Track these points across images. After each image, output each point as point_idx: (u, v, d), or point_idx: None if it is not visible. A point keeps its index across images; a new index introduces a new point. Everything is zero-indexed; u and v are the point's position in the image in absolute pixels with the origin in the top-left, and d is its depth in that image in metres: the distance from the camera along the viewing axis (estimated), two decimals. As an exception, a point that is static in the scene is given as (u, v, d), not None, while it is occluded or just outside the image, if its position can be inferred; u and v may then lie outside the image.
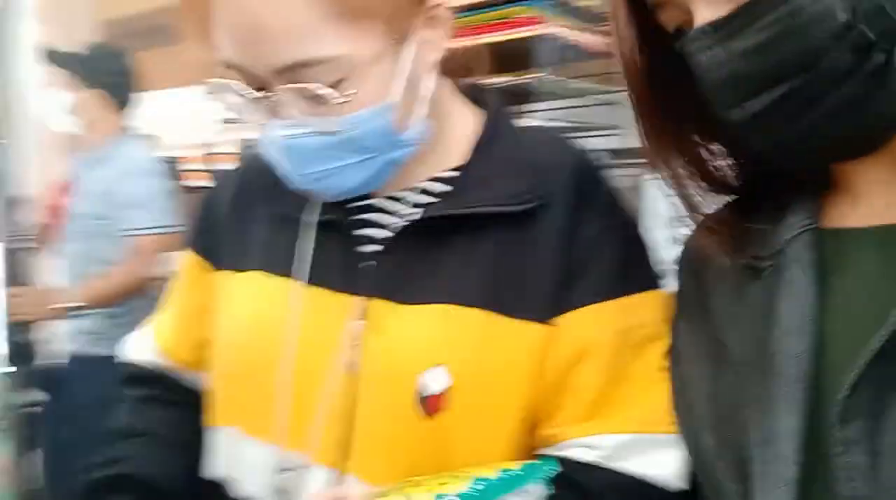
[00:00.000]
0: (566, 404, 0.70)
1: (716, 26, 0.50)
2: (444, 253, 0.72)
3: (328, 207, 0.76)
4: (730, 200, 0.62)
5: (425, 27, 0.69)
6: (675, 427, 0.70)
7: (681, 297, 0.66)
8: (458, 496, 0.59)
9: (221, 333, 0.80)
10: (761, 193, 0.60)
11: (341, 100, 0.64)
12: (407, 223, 0.73)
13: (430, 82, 0.71)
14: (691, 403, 0.60)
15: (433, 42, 0.70)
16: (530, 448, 0.71)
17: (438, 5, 0.69)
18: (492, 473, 0.62)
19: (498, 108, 0.79)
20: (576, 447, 0.69)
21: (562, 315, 0.69)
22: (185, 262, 0.88)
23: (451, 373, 0.68)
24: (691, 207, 0.61)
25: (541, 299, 0.70)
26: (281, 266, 0.76)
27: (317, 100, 0.65)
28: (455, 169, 0.75)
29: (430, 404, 0.69)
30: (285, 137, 0.68)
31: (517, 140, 0.76)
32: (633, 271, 0.72)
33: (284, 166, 0.70)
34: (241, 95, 0.68)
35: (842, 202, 0.55)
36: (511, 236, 0.71)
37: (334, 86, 0.64)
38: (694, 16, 0.52)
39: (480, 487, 0.60)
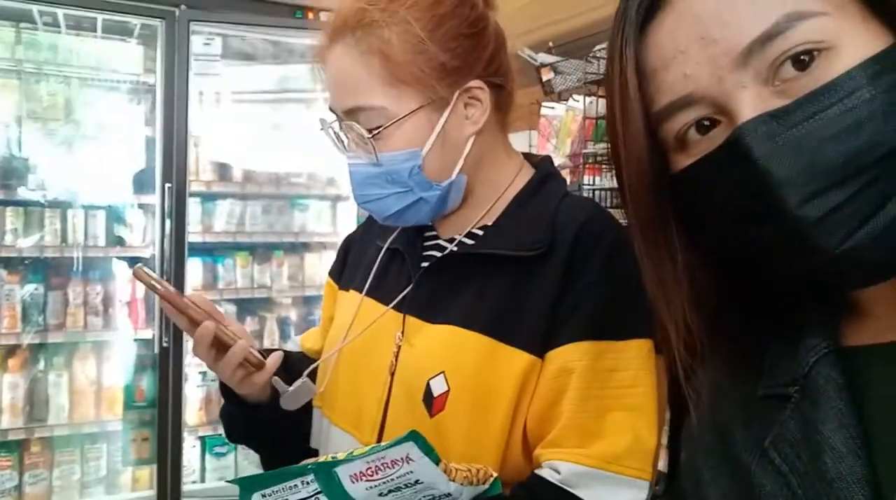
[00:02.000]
0: (548, 429, 0.82)
1: (784, 113, 0.47)
2: (466, 285, 0.89)
3: (397, 239, 0.99)
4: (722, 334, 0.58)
5: (463, 103, 0.89)
6: (640, 472, 0.79)
7: (699, 424, 0.61)
8: (332, 458, 0.75)
9: (328, 335, 1.05)
10: (758, 321, 0.57)
11: (376, 140, 0.86)
12: (440, 258, 0.93)
13: (466, 148, 0.90)
14: None
15: (470, 117, 0.89)
16: (522, 462, 0.84)
17: (477, 88, 0.88)
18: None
19: (544, 171, 0.96)
20: (546, 468, 0.81)
21: (548, 352, 0.82)
22: (326, 284, 1.15)
23: (449, 381, 0.84)
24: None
25: (533, 333, 0.83)
26: (364, 286, 1.00)
27: (361, 138, 0.87)
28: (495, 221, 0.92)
29: (433, 405, 0.85)
30: (350, 166, 0.91)
31: (548, 199, 0.90)
32: (617, 321, 0.82)
33: (352, 189, 0.92)
34: (332, 130, 0.93)
35: (857, 322, 0.53)
36: (520, 278, 0.85)
37: (374, 129, 0.86)
38: (736, 109, 0.48)
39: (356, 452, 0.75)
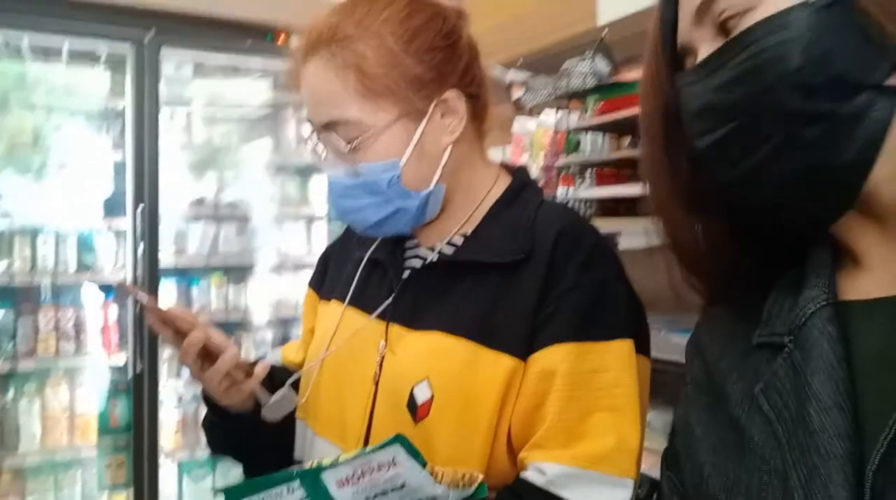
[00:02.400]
0: (533, 432, 0.83)
1: (702, 64, 0.54)
2: (448, 292, 0.90)
3: (378, 249, 0.99)
4: (735, 282, 0.62)
5: (440, 114, 0.90)
6: (625, 471, 0.80)
7: (694, 386, 0.64)
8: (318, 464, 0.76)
9: (310, 346, 1.06)
10: (769, 273, 0.60)
11: (354, 151, 0.87)
12: (422, 267, 0.93)
13: (444, 157, 0.91)
14: (715, 495, 0.57)
15: (447, 127, 0.91)
16: (507, 466, 0.85)
17: (453, 98, 0.90)
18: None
19: (521, 179, 0.98)
20: (532, 470, 0.82)
21: (532, 354, 0.84)
22: (306, 295, 1.14)
23: (433, 387, 0.84)
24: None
25: (516, 337, 0.84)
26: (345, 296, 1.00)
27: (339, 150, 0.89)
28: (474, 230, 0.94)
29: (418, 412, 0.85)
30: (328, 177, 0.92)
31: (526, 207, 0.92)
32: (599, 322, 0.84)
33: (330, 201, 0.93)
34: (312, 143, 0.94)
35: (855, 276, 0.55)
36: (502, 283, 0.87)
37: (352, 141, 0.87)
38: (699, 58, 0.56)
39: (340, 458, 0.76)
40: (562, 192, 1.67)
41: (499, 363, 0.84)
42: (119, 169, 2.91)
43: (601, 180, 1.64)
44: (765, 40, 0.50)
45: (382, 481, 0.74)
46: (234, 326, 3.20)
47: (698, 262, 0.62)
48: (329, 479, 0.76)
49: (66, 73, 2.87)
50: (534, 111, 2.06)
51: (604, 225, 1.51)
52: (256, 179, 3.21)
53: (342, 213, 0.93)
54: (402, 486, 0.75)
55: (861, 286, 0.54)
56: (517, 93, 2.06)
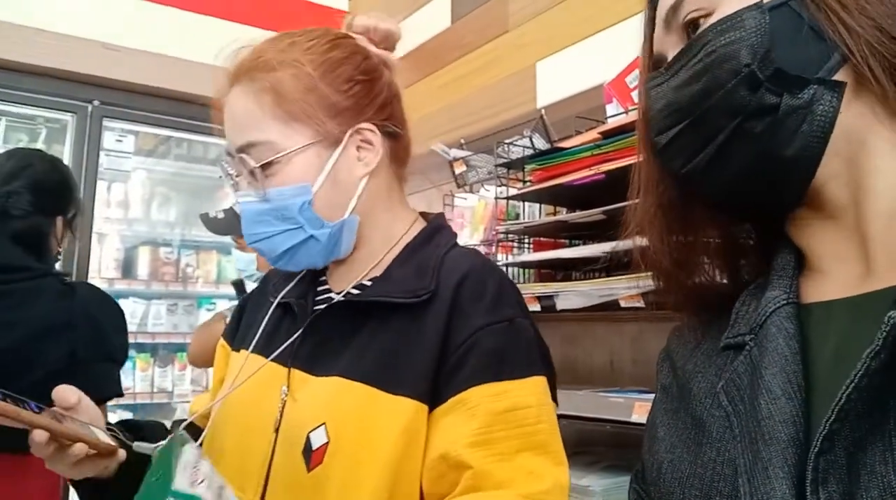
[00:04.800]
0: (453, 479, 0.79)
1: (667, 67, 0.57)
2: (352, 336, 0.88)
3: (289, 294, 0.98)
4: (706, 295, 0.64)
5: (355, 145, 0.91)
6: None
7: (662, 391, 0.65)
8: None
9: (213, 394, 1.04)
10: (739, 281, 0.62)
11: (267, 176, 0.87)
12: (325, 309, 0.91)
13: (358, 188, 0.91)
14: (670, 490, 0.58)
15: (363, 159, 0.92)
16: None
17: (368, 130, 0.91)
18: None
19: (435, 223, 0.98)
20: None
21: (446, 399, 0.81)
22: (218, 346, 1.10)
23: (329, 432, 0.81)
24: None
25: (418, 379, 0.81)
26: (252, 343, 0.96)
27: (252, 174, 0.88)
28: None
29: (312, 459, 0.81)
30: (240, 203, 0.90)
31: (436, 249, 0.92)
32: (513, 360, 0.82)
33: (242, 227, 0.91)
34: (226, 169, 0.93)
35: (816, 279, 0.56)
36: (405, 325, 0.85)
37: (266, 166, 0.87)
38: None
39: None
40: (501, 259, 1.69)
41: (398, 408, 0.80)
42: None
43: (538, 247, 1.67)
44: (717, 40, 0.52)
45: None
46: (158, 407, 3.06)
47: (675, 273, 0.63)
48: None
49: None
50: (474, 188, 2.11)
51: (541, 289, 1.53)
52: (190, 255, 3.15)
53: (253, 240, 0.91)
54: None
55: (821, 289, 0.55)
56: (459, 169, 2.11)
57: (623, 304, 1.31)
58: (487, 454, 0.78)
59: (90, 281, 2.73)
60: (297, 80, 0.88)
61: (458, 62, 2.51)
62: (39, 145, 2.89)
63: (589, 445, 1.64)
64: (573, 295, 1.39)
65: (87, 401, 0.88)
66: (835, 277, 0.54)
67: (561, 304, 1.43)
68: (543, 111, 1.86)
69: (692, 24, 0.56)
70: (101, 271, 2.96)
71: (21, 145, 2.85)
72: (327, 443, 0.81)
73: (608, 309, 1.38)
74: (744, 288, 0.61)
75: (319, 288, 0.98)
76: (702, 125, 0.53)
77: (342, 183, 0.90)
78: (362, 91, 0.92)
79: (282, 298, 0.98)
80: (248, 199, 0.90)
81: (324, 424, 0.82)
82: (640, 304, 1.27)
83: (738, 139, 0.52)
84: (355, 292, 0.92)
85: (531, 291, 1.53)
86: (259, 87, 0.88)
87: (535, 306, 1.51)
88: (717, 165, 0.54)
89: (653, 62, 0.62)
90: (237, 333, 1.06)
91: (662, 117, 0.57)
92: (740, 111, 0.51)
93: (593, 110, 1.71)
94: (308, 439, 0.82)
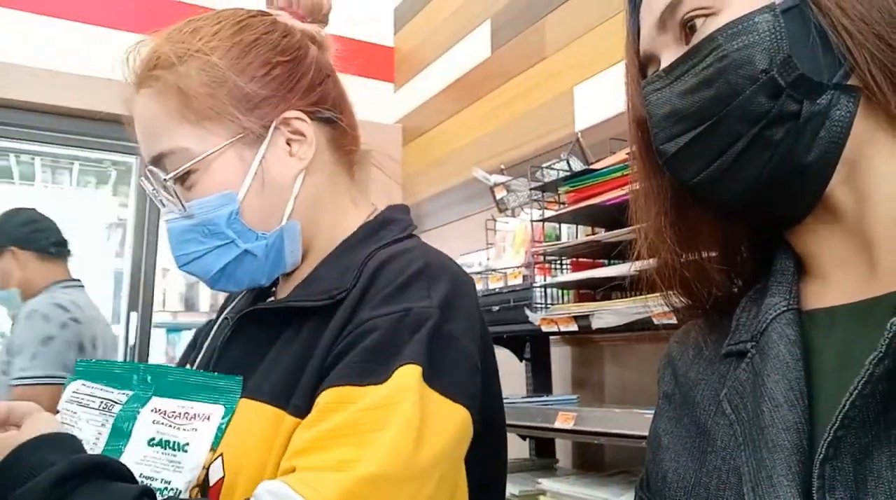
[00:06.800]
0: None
1: (667, 70, 0.55)
2: (267, 348, 0.76)
3: (234, 308, 0.87)
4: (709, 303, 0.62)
5: (284, 139, 0.80)
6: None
7: (664, 399, 0.64)
8: None
9: None
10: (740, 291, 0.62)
11: (187, 188, 0.77)
12: (236, 319, 0.81)
13: (294, 189, 0.79)
14: (676, 498, 0.57)
15: (295, 153, 0.80)
16: None
17: (297, 119, 0.79)
18: None
19: (384, 217, 0.84)
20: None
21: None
22: None
23: (225, 465, 0.69)
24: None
25: (308, 391, 0.69)
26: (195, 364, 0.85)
27: (166, 188, 0.78)
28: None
29: (209, 495, 0.69)
30: (166, 222, 0.80)
31: (373, 244, 0.78)
32: (380, 360, 0.66)
33: (171, 250, 0.81)
34: (145, 186, 0.82)
35: (818, 285, 0.56)
36: (315, 332, 0.72)
37: (183, 176, 0.77)
38: (663, 65, 0.56)
39: None
40: (539, 280, 1.71)
41: (289, 426, 0.69)
42: (118, 277, 2.98)
43: (576, 268, 1.68)
44: (729, 44, 0.50)
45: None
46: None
47: (682, 285, 0.62)
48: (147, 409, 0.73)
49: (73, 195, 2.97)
50: (515, 212, 2.14)
51: (576, 309, 1.54)
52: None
53: (183, 263, 0.79)
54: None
55: (823, 295, 0.55)
56: (500, 193, 2.15)
57: (656, 321, 1.31)
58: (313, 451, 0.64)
59: (155, 314, 2.87)
60: (204, 73, 0.77)
61: (499, 90, 2.56)
62: (108, 187, 3.06)
63: (630, 465, 1.63)
64: (607, 314, 1.40)
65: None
66: (836, 282, 0.54)
67: (596, 323, 1.44)
68: (580, 134, 1.89)
69: (691, 24, 0.54)
70: (166, 305, 3.10)
71: (90, 187, 3.02)
72: (222, 478, 0.69)
73: (647, 329, 1.38)
74: (739, 294, 0.61)
75: (267, 301, 0.86)
76: (716, 133, 0.52)
77: (274, 185, 0.78)
78: (283, 75, 0.80)
79: (226, 314, 0.87)
80: (171, 216, 0.79)
81: (221, 455, 0.70)
82: (673, 320, 1.26)
83: (757, 147, 0.51)
84: (270, 300, 0.84)
85: (566, 311, 1.54)
86: (162, 87, 0.77)
87: (572, 326, 1.53)
88: (733, 174, 0.52)
89: (640, 63, 0.61)
90: (190, 355, 0.93)
91: (669, 124, 0.55)
92: (760, 118, 0.50)
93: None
94: (207, 473, 0.70)
